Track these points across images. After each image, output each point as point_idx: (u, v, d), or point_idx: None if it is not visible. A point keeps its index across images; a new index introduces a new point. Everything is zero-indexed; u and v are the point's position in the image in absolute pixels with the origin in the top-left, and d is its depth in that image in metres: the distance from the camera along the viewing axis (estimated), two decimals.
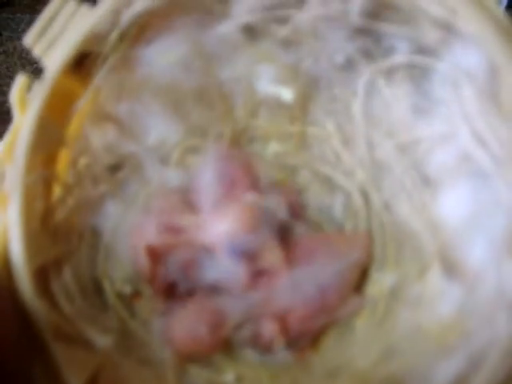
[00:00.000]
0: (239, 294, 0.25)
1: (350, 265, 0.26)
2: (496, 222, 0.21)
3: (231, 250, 0.25)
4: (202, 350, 0.26)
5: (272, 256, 0.26)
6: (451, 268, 0.24)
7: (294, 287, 0.25)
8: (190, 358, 0.25)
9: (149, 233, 0.26)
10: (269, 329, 0.25)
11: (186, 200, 0.27)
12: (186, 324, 0.26)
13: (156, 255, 0.26)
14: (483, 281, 0.21)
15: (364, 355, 0.24)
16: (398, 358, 0.23)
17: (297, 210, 0.27)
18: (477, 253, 0.22)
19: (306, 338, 0.26)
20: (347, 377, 0.24)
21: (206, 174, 0.27)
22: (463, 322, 0.22)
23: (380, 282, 0.26)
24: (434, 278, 0.24)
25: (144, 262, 0.26)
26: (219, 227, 0.25)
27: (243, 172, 0.27)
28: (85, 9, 0.24)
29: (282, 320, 0.25)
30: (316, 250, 0.26)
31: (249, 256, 0.25)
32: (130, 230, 0.26)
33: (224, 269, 0.25)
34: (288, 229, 0.27)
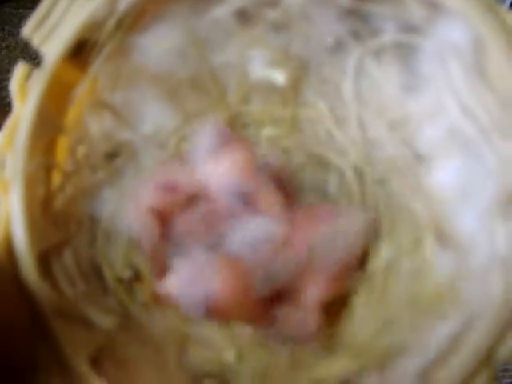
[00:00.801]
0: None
1: (356, 233, 0.26)
2: (485, 190, 0.22)
3: (229, 192, 0.25)
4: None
5: (270, 199, 0.26)
6: (444, 238, 0.24)
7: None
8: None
9: (148, 196, 0.26)
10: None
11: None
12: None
13: (161, 216, 0.26)
14: (476, 246, 0.22)
15: (363, 328, 0.25)
16: (395, 329, 0.24)
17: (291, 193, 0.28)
18: (468, 221, 0.23)
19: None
20: (346, 351, 0.24)
21: (203, 135, 0.27)
22: (458, 289, 0.22)
23: (376, 256, 0.27)
24: (428, 249, 0.25)
25: (147, 229, 0.26)
26: (216, 171, 0.26)
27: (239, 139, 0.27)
28: None
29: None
30: (319, 215, 0.26)
31: (247, 199, 0.26)
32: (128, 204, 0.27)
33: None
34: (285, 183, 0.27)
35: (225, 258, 0.25)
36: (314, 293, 0.25)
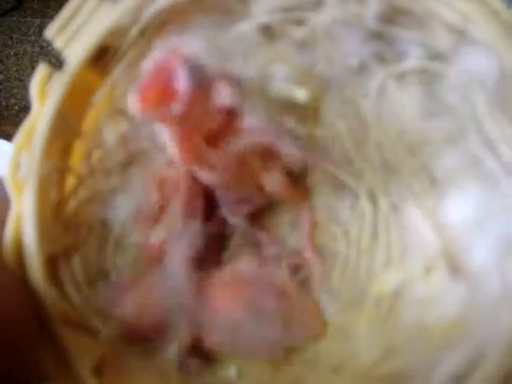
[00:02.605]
0: None
1: None
2: (501, 224, 0.22)
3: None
4: None
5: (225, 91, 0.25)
6: (456, 268, 0.24)
7: None
8: None
9: None
10: None
11: None
12: None
13: None
14: (487, 280, 0.22)
15: (367, 353, 0.25)
16: (400, 356, 0.24)
17: None
18: (481, 254, 0.23)
19: None
20: (350, 373, 0.24)
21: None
22: (466, 321, 0.22)
23: (384, 281, 0.27)
24: (439, 278, 0.25)
25: None
26: None
27: None
28: (107, 4, 0.25)
29: None
30: None
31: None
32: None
33: None
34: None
35: None
36: None
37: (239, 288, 0.27)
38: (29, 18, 0.71)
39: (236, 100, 0.25)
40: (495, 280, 0.22)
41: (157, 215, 0.27)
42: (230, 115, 0.26)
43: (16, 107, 0.71)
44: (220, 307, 0.26)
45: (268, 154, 0.27)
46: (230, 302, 0.26)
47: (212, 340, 0.26)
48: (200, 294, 0.26)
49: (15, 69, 0.74)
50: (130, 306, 0.25)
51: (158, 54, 0.24)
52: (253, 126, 0.26)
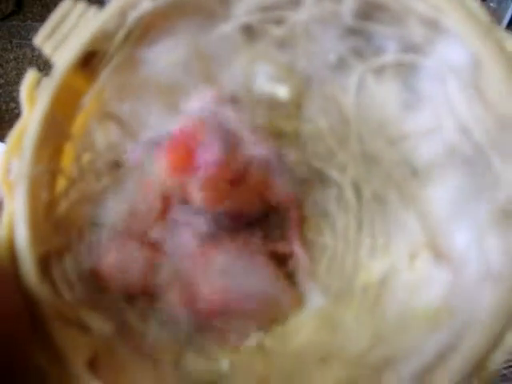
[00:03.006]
0: None
1: None
2: (480, 207, 0.23)
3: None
4: None
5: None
6: (439, 254, 0.25)
7: None
8: None
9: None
10: None
11: None
12: None
13: None
14: (469, 262, 0.23)
15: (356, 341, 0.25)
16: (388, 343, 0.24)
17: None
18: (462, 237, 0.23)
19: None
20: (340, 362, 0.25)
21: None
22: (450, 305, 0.23)
23: (370, 271, 0.27)
24: (423, 265, 0.25)
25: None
26: None
27: None
28: (93, 11, 0.25)
29: None
30: None
31: None
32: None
33: None
34: None
35: None
36: None
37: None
38: (28, 22, 0.72)
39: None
40: (476, 261, 0.22)
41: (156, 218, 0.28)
42: None
43: (16, 111, 0.71)
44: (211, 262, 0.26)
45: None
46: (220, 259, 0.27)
47: (204, 293, 0.26)
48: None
49: (15, 73, 0.74)
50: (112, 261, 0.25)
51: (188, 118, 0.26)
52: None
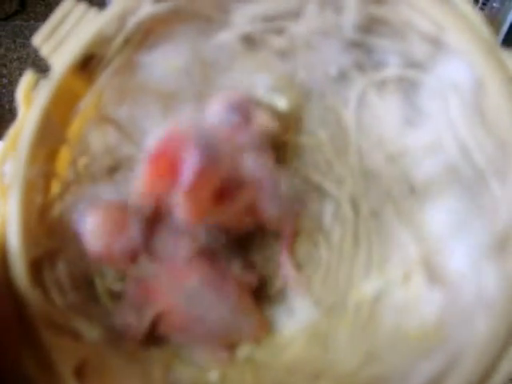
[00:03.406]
0: None
1: None
2: (478, 230, 0.22)
3: (229, 106, 0.26)
4: None
5: (266, 117, 0.27)
6: (434, 274, 0.24)
7: None
8: None
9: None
10: None
11: None
12: None
13: None
14: (464, 285, 0.22)
15: (347, 358, 0.25)
16: (380, 362, 0.24)
17: None
18: (458, 259, 0.23)
19: None
20: (331, 379, 0.24)
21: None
22: (443, 326, 0.22)
23: (364, 287, 0.27)
24: (417, 284, 0.25)
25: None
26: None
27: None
28: (93, 13, 0.25)
29: None
30: None
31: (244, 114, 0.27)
32: None
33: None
34: None
35: None
36: None
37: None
38: (32, 22, 0.72)
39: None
40: (471, 285, 0.22)
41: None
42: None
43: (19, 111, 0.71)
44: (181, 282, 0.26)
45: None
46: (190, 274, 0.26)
47: (165, 308, 0.26)
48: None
49: (18, 73, 0.74)
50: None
51: (168, 128, 0.25)
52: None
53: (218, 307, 0.26)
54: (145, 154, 0.25)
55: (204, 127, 0.26)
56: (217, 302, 0.26)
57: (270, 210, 0.27)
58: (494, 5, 0.70)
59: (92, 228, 0.25)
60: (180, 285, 0.26)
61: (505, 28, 0.69)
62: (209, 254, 0.26)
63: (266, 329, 0.28)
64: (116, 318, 0.26)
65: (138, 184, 0.25)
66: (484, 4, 0.70)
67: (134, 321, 0.26)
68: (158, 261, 0.26)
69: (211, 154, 0.25)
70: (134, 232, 0.26)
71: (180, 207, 0.25)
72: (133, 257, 0.26)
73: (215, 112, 0.27)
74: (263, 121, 0.27)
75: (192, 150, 0.24)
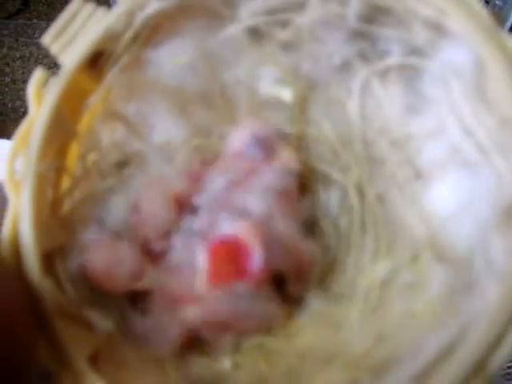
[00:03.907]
0: None
1: None
2: (483, 207, 0.23)
3: (254, 140, 0.27)
4: None
5: (289, 155, 0.28)
6: (441, 253, 0.25)
7: None
8: None
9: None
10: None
11: None
12: None
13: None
14: (472, 261, 0.23)
15: (358, 341, 0.25)
16: (390, 343, 0.24)
17: None
18: (465, 236, 0.24)
19: None
20: (342, 363, 0.25)
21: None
22: (453, 301, 0.23)
23: (373, 272, 0.27)
24: (425, 265, 0.25)
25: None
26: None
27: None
28: (101, 12, 0.26)
29: None
30: None
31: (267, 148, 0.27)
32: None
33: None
34: None
35: None
36: None
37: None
38: (34, 21, 0.72)
39: None
40: (479, 260, 0.22)
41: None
42: None
43: (22, 109, 0.72)
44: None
45: None
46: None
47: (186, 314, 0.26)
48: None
49: (21, 71, 0.74)
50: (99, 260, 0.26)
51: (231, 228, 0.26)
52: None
53: (255, 301, 0.26)
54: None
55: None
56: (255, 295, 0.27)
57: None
58: (497, 2, 0.70)
59: (95, 265, 0.26)
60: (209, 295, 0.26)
61: (508, 25, 0.69)
62: None
63: (291, 316, 0.28)
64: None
65: None
66: (487, 2, 0.70)
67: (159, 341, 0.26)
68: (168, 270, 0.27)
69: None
70: (136, 261, 0.26)
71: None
72: (136, 278, 0.27)
73: (239, 140, 0.28)
74: (286, 159, 0.28)
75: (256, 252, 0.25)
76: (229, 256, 0.26)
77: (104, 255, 0.26)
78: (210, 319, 0.26)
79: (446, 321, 0.22)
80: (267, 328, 0.27)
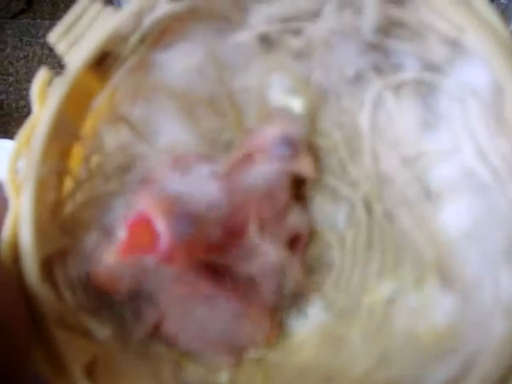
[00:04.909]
0: None
1: None
2: (494, 234, 0.22)
3: (285, 139, 0.27)
4: None
5: (306, 161, 0.27)
6: (448, 278, 0.24)
7: None
8: None
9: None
10: None
11: None
12: None
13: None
14: (479, 290, 0.22)
15: (360, 361, 0.25)
16: (393, 365, 0.24)
17: None
18: (474, 263, 0.23)
19: None
20: (342, 382, 0.24)
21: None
22: (458, 331, 0.22)
23: (378, 290, 0.27)
24: (431, 288, 0.25)
25: None
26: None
27: None
28: (109, 11, 0.25)
29: None
30: None
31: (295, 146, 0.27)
32: None
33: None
34: None
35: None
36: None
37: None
38: (38, 21, 0.72)
39: None
40: (488, 290, 0.22)
41: None
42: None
43: (25, 109, 0.71)
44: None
45: None
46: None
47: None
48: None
49: (25, 71, 0.74)
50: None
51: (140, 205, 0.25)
52: None
53: (213, 317, 0.26)
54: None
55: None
56: (211, 311, 0.26)
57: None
58: (502, 1, 0.70)
59: (104, 270, 0.25)
60: (172, 295, 0.26)
61: None
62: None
63: (277, 333, 0.27)
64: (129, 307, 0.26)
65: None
66: (492, 0, 0.70)
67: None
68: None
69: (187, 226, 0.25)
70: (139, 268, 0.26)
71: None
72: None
73: (269, 137, 0.27)
74: (304, 165, 0.28)
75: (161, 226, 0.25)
76: (141, 230, 0.25)
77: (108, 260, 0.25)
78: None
79: (451, 350, 0.22)
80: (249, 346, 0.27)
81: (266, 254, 0.27)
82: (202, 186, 0.26)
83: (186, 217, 0.25)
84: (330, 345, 0.26)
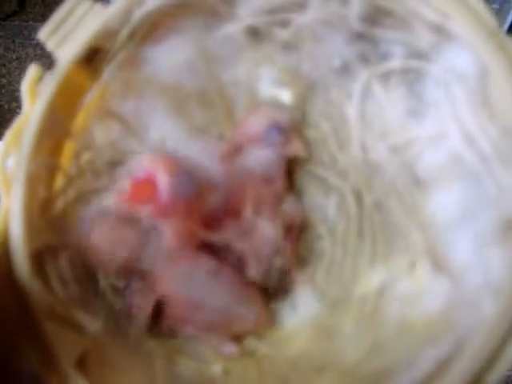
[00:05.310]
0: None
1: None
2: (483, 217, 0.22)
3: (274, 124, 0.27)
4: None
5: (298, 144, 0.28)
6: (439, 264, 0.24)
7: None
8: None
9: None
10: None
11: None
12: None
13: None
14: (470, 273, 0.22)
15: (352, 350, 0.25)
16: (385, 354, 0.24)
17: None
18: (463, 247, 0.23)
19: None
20: (335, 372, 0.24)
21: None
22: (449, 314, 0.22)
23: (369, 279, 0.27)
24: (422, 275, 0.25)
25: None
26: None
27: None
28: (98, 8, 0.25)
29: None
30: None
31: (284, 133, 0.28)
32: None
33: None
34: None
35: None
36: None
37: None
38: (31, 22, 0.72)
39: None
40: (477, 272, 0.22)
41: None
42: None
43: (18, 110, 0.71)
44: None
45: None
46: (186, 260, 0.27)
47: (169, 298, 0.26)
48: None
49: (17, 73, 0.74)
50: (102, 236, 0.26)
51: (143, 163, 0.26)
52: None
53: (217, 293, 0.26)
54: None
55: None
56: (216, 288, 0.26)
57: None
58: (494, 6, 0.70)
59: (97, 242, 0.26)
60: (176, 270, 0.26)
61: (504, 28, 0.69)
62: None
63: (270, 319, 0.28)
64: (121, 302, 0.26)
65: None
66: None
67: (140, 302, 0.26)
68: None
69: (188, 187, 0.26)
70: (133, 240, 0.26)
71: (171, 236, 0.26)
72: (132, 260, 0.26)
73: (258, 125, 0.28)
74: (297, 148, 0.28)
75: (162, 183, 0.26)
76: (144, 182, 0.26)
77: (108, 231, 0.26)
78: None
79: (442, 334, 0.22)
80: (241, 330, 0.27)
81: (262, 229, 0.27)
82: (207, 161, 0.27)
83: (187, 177, 0.26)
84: (322, 335, 0.26)
